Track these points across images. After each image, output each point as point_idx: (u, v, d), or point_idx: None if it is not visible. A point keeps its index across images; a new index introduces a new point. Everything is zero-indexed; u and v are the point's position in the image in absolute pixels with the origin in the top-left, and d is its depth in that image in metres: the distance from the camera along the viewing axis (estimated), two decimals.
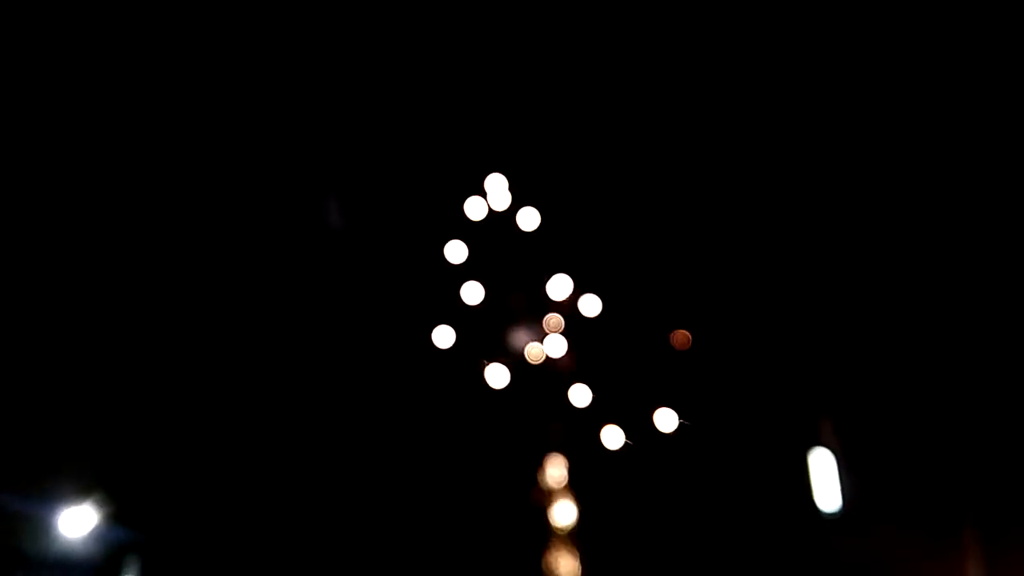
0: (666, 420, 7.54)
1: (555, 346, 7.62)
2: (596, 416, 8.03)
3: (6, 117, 7.04)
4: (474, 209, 7.56)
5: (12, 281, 7.08)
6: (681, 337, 7.84)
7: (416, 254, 7.71)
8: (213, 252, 7.51)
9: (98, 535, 6.96)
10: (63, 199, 7.31)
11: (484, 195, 7.56)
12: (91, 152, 7.32)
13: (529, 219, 7.60)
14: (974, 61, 7.23)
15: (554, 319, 7.63)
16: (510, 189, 7.73)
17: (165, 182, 7.47)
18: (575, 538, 7.86)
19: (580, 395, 7.63)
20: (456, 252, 7.49)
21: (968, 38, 7.19)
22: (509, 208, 7.65)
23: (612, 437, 7.50)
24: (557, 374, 7.97)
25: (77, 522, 6.91)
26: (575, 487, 7.87)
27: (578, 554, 7.83)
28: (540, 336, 7.69)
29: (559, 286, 7.64)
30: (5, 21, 6.90)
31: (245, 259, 7.55)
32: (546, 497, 7.82)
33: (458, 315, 7.65)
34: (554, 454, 7.90)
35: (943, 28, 7.22)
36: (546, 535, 7.79)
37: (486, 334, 7.73)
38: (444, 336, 7.40)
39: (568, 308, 7.95)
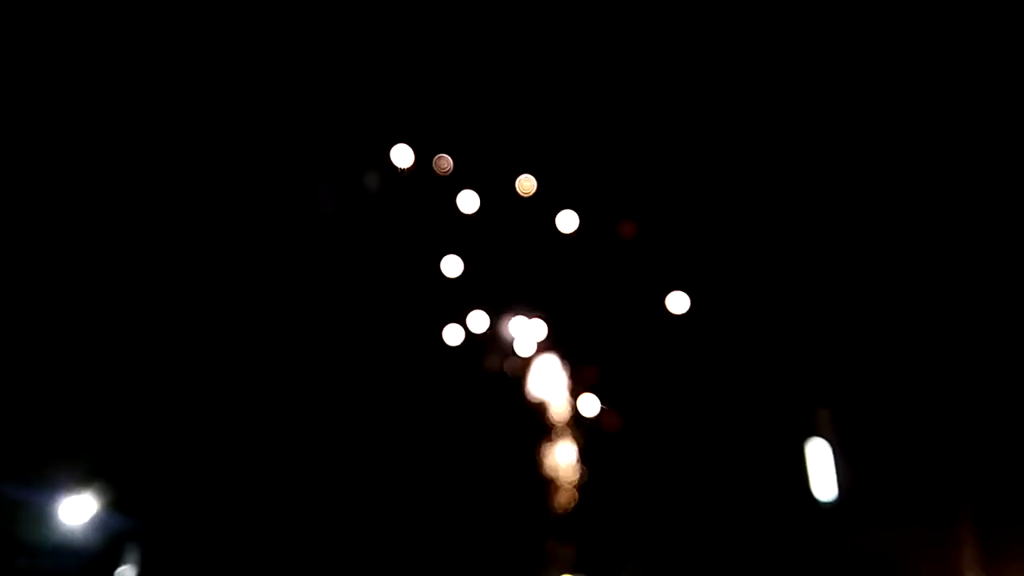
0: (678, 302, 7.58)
1: None
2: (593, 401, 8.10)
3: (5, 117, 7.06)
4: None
5: (12, 277, 7.10)
6: (629, 228, 7.85)
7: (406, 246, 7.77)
8: (208, 243, 7.52)
9: (97, 523, 6.99)
10: (60, 195, 7.32)
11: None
12: (86, 150, 7.33)
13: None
14: (974, 61, 7.23)
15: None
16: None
17: (161, 177, 7.49)
18: (572, 524, 7.91)
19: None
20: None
21: (968, 38, 7.19)
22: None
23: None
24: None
25: (77, 510, 6.95)
26: (573, 474, 7.92)
27: (575, 540, 7.87)
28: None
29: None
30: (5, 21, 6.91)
31: (239, 250, 7.56)
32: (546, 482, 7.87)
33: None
34: (557, 438, 7.95)
35: (943, 28, 7.21)
36: (544, 520, 7.84)
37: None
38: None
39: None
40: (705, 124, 7.93)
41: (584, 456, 8.04)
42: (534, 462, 8.00)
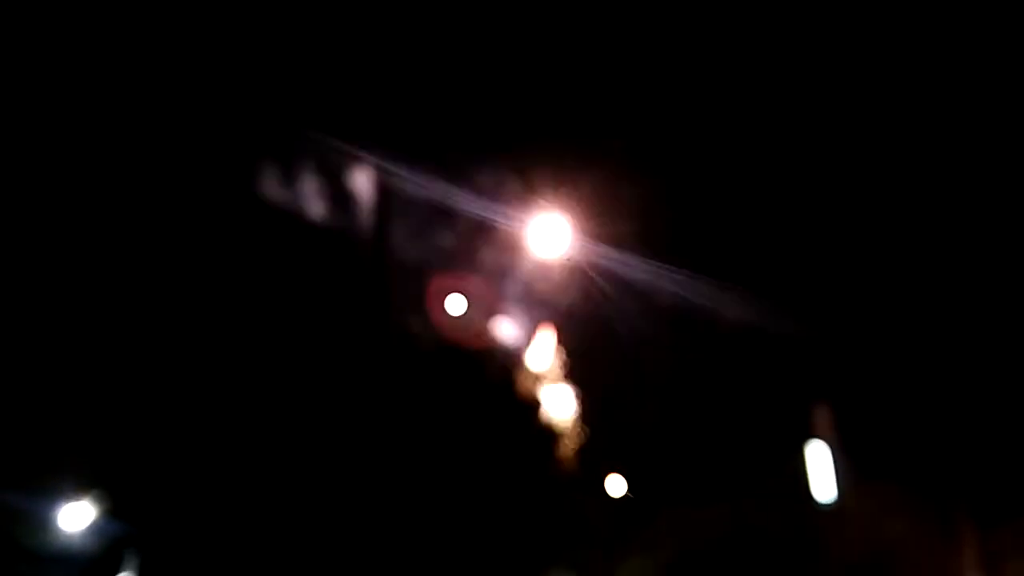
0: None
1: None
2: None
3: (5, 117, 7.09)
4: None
5: (12, 281, 7.15)
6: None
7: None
8: (208, 251, 7.53)
9: (96, 529, 7.06)
10: (62, 199, 7.36)
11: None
12: (89, 152, 7.36)
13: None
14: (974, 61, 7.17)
15: None
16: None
17: (162, 181, 7.51)
18: (573, 524, 7.93)
19: None
20: None
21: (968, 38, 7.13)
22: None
23: None
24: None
25: (76, 517, 7.01)
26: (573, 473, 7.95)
27: (576, 540, 7.90)
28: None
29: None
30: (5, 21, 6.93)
31: (239, 258, 7.57)
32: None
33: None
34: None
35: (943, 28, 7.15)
36: (545, 521, 7.86)
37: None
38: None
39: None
40: (706, 123, 7.90)
41: (584, 455, 8.05)
42: (534, 463, 8.01)
